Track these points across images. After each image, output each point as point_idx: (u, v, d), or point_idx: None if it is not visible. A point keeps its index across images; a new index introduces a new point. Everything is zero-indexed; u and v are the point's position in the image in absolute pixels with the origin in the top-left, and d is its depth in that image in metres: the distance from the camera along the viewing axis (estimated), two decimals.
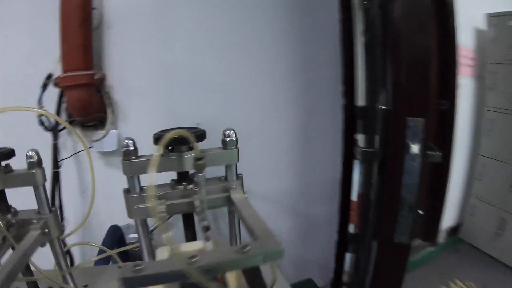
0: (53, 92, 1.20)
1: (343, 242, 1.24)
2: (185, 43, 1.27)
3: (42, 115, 1.20)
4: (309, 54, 1.34)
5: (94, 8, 1.16)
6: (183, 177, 0.59)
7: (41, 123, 1.20)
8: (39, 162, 0.56)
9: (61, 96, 1.22)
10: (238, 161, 0.59)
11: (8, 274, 0.40)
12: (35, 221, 0.56)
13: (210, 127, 1.23)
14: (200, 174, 0.53)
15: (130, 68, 1.27)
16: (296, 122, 1.40)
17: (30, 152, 0.55)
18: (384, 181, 0.72)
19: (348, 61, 1.12)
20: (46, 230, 0.57)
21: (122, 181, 1.28)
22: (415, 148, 0.66)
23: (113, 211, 1.36)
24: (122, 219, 1.29)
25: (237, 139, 0.58)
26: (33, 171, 0.55)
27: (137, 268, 0.36)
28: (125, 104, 1.31)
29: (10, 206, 0.59)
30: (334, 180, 1.25)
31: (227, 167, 0.59)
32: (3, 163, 0.55)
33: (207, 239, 0.52)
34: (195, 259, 0.36)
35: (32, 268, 0.60)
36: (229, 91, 1.32)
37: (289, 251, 1.49)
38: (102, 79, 1.22)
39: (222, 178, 0.61)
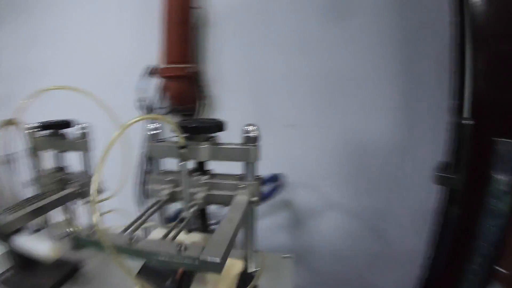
0: (156, 82, 1.37)
1: (427, 280, 1.03)
2: (279, 44, 1.26)
3: (143, 98, 1.40)
4: (412, 61, 1.16)
5: (199, 8, 1.28)
6: (199, 168, 0.58)
7: (141, 107, 1.39)
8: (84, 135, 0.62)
9: (162, 86, 1.38)
10: (256, 160, 0.55)
11: None
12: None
13: (303, 130, 1.22)
14: (182, 163, 0.51)
15: (227, 65, 1.34)
16: (394, 133, 1.23)
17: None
18: (456, 220, 0.55)
19: (461, 70, 0.91)
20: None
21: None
22: (502, 181, 0.48)
23: None
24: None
25: (257, 137, 0.54)
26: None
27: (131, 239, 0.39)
28: (219, 98, 1.39)
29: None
30: (428, 208, 1.06)
31: (245, 165, 0.56)
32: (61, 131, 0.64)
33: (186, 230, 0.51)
34: (135, 241, 0.36)
35: None
36: (321, 95, 1.26)
37: (360, 274, 1.35)
38: (197, 73, 1.33)
39: (239, 176, 0.58)
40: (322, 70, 1.21)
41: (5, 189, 0.65)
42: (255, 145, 0.54)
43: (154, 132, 0.59)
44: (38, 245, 0.62)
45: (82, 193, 0.68)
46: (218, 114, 1.41)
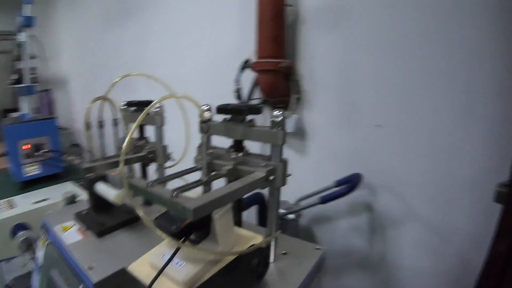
0: (250, 74, 1.52)
1: None
2: (370, 41, 1.22)
3: (239, 89, 1.56)
4: None
5: (290, 5, 1.35)
6: (236, 145, 0.67)
7: (238, 97, 1.56)
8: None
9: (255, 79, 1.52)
10: (282, 143, 0.60)
11: None
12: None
13: (389, 131, 1.18)
14: (202, 135, 0.60)
15: (318, 61, 1.38)
16: (493, 140, 1.03)
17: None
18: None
19: None
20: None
21: (297, 160, 1.46)
22: None
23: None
24: (287, 195, 1.45)
25: (282, 121, 0.59)
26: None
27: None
28: (311, 94, 1.44)
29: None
30: None
31: (272, 147, 0.62)
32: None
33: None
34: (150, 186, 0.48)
35: None
36: (411, 94, 1.16)
37: None
38: (289, 68, 1.40)
39: (268, 157, 0.64)
40: (414, 68, 1.13)
41: (96, 146, 0.89)
42: (281, 129, 0.59)
43: (207, 112, 0.71)
44: (109, 191, 0.82)
45: (151, 157, 0.87)
46: (308, 109, 1.46)
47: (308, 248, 0.75)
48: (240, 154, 0.66)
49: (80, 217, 0.94)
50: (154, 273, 0.55)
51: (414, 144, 1.16)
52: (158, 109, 0.81)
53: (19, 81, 2.40)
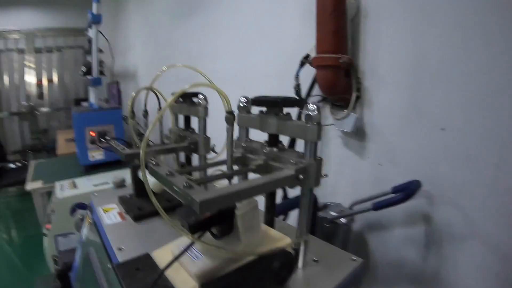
0: (311, 70, 1.47)
1: None
2: (438, 38, 1.11)
3: (298, 85, 1.53)
4: None
5: None
6: (270, 139, 0.65)
7: (297, 93, 1.53)
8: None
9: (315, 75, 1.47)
10: (316, 139, 0.56)
11: None
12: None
13: (454, 135, 1.10)
14: (228, 127, 0.58)
15: (381, 57, 1.30)
16: None
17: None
18: None
19: None
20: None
21: (354, 162, 1.44)
22: None
23: (337, 187, 1.55)
24: (341, 198, 1.43)
25: (318, 115, 0.55)
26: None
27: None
28: (372, 91, 1.36)
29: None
30: None
31: (305, 144, 0.58)
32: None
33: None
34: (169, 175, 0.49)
35: None
36: (481, 95, 1.03)
37: None
38: (349, 64, 1.32)
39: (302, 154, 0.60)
40: (487, 68, 1.00)
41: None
42: (315, 124, 0.56)
43: (244, 104, 0.70)
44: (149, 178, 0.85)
45: (193, 148, 0.88)
46: (368, 108, 1.39)
47: (343, 257, 0.70)
48: (274, 149, 0.64)
49: (122, 201, 1.00)
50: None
51: (481, 151, 1.03)
52: (201, 100, 0.82)
53: (88, 73, 2.66)
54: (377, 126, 1.37)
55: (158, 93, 0.95)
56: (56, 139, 3.79)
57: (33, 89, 4.55)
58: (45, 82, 4.65)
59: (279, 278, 0.56)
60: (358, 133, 1.42)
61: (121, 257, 0.70)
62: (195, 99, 0.87)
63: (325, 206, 1.40)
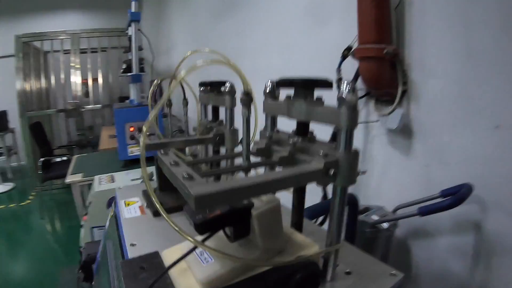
0: (353, 64, 1.37)
1: None
2: (492, 24, 0.97)
3: (340, 79, 1.43)
4: None
5: None
6: (299, 128, 0.56)
7: (338, 87, 1.43)
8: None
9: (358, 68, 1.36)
10: (349, 126, 0.46)
11: None
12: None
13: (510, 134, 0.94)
14: (245, 110, 0.49)
15: (429, 47, 1.18)
16: None
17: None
18: None
19: None
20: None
21: (399, 163, 1.35)
22: None
23: (380, 189, 1.44)
24: (385, 201, 1.34)
25: (353, 98, 0.46)
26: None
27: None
28: (419, 85, 1.25)
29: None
30: None
31: (337, 132, 0.49)
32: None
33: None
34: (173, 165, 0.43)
35: None
36: None
37: None
38: (394, 54, 1.21)
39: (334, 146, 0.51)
40: None
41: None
42: (349, 108, 0.46)
43: (270, 90, 0.61)
44: None
45: (219, 140, 0.81)
46: (415, 103, 1.28)
47: (381, 271, 0.59)
48: (302, 139, 0.54)
49: (145, 195, 0.96)
50: (182, 264, 0.49)
51: None
52: (228, 88, 0.75)
53: (128, 70, 2.71)
54: (425, 123, 1.26)
55: (183, 83, 0.90)
56: (100, 135, 3.94)
57: (79, 88, 4.77)
58: (90, 81, 4.86)
59: None
60: (404, 131, 1.32)
61: (132, 253, 0.65)
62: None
63: (366, 209, 1.31)
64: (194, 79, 0.87)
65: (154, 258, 0.56)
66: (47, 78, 4.86)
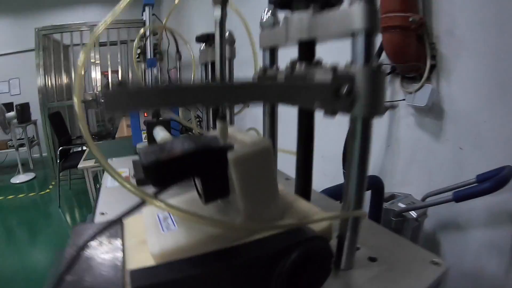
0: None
1: None
2: None
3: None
4: None
5: None
6: (302, 51, 0.42)
7: None
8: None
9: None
10: (368, 29, 0.31)
11: None
12: None
13: None
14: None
15: (459, 17, 1.06)
16: None
17: None
18: None
19: None
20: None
21: (429, 146, 1.24)
22: None
23: (408, 175, 1.34)
24: (413, 188, 1.23)
25: None
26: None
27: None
28: (451, 59, 1.12)
29: None
30: None
31: (351, 41, 0.33)
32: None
33: None
34: None
35: None
36: None
37: None
38: (420, 24, 1.10)
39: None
40: None
41: None
42: (365, 3, 0.31)
43: (267, 19, 0.48)
44: (158, 136, 0.72)
45: None
46: (446, 80, 1.16)
47: (419, 257, 0.42)
48: (306, 65, 0.40)
49: (134, 164, 0.86)
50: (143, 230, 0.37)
51: None
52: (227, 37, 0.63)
53: (144, 57, 2.65)
54: (457, 101, 1.14)
55: (173, 33, 0.79)
56: (120, 125, 3.92)
57: (99, 80, 4.76)
58: (110, 73, 4.86)
59: (299, 284, 0.32)
60: (434, 110, 1.20)
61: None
62: None
63: (392, 197, 1.20)
64: None
65: (114, 225, 0.43)
66: (67, 71, 4.89)
